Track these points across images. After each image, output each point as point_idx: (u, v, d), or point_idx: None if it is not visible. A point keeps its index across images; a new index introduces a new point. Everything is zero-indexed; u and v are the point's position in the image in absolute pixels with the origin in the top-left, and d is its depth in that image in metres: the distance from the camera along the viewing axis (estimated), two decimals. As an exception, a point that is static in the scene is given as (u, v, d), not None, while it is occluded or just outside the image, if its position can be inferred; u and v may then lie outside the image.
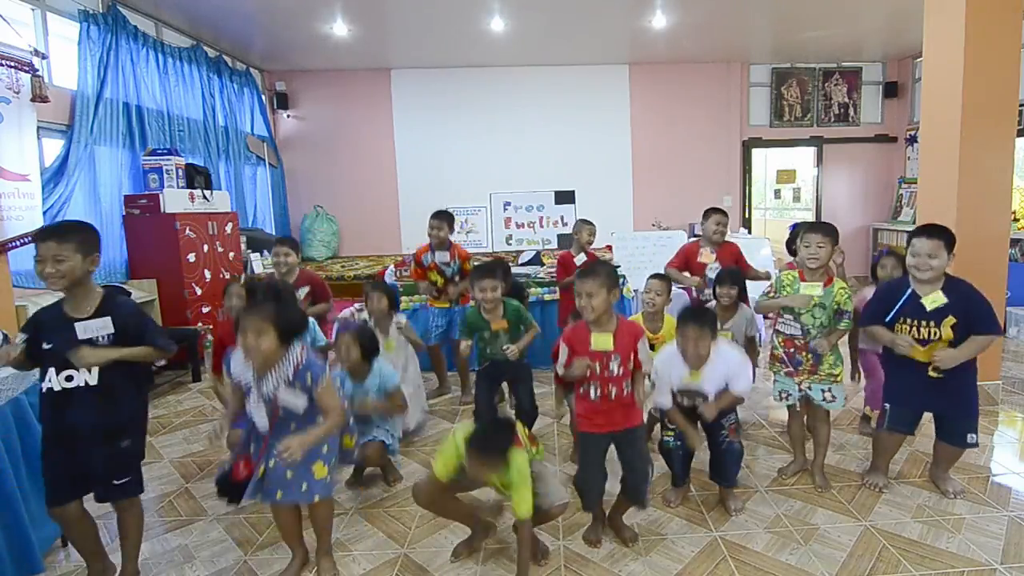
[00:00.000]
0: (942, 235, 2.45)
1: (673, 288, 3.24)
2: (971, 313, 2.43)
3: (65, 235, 1.91)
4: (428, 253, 4.08)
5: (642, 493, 2.31)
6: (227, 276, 5.36)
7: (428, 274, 4.07)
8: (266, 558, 2.37)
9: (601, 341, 2.18)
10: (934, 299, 2.45)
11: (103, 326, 1.94)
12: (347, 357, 2.74)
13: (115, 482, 2.02)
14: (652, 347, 3.02)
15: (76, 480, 2.01)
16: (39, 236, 1.92)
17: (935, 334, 2.46)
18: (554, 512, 2.20)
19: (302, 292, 3.75)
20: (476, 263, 3.69)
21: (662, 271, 3.44)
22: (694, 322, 2.39)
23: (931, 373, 2.49)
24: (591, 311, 2.15)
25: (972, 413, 2.56)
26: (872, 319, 2.63)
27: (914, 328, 2.50)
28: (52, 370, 1.92)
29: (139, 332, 2.00)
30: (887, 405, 2.69)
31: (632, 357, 2.21)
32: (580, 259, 4.08)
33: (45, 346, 1.93)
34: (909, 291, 2.52)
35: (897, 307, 2.54)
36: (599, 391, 2.20)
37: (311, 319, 3.28)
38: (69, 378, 1.92)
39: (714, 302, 3.21)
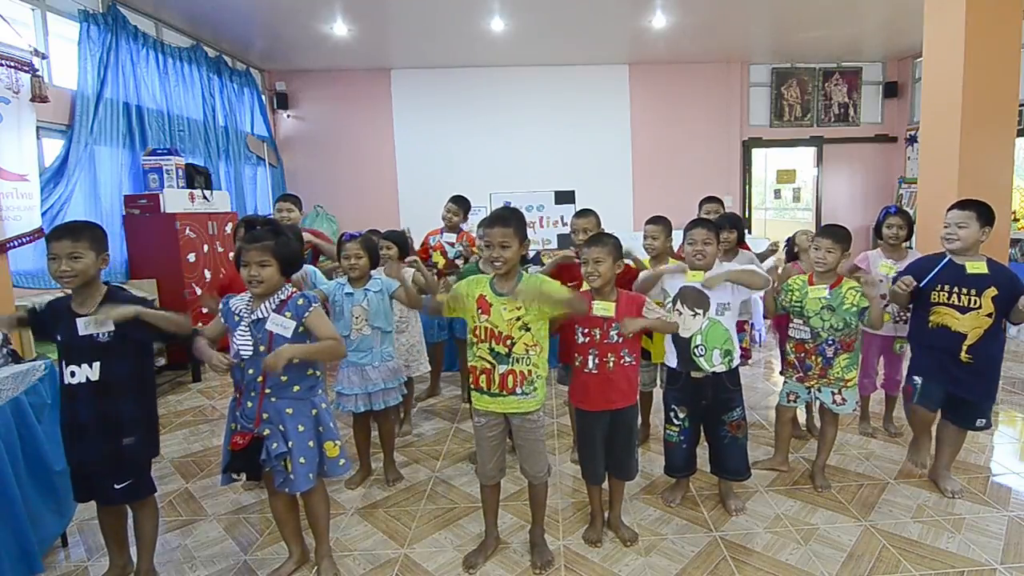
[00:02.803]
0: (973, 207, 2.48)
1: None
2: (1016, 289, 2.41)
3: (80, 233, 1.95)
4: (437, 235, 4.19)
5: (628, 465, 2.38)
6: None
7: (432, 254, 4.10)
8: (266, 558, 2.37)
9: (603, 307, 2.23)
10: (976, 265, 2.45)
11: (104, 322, 1.96)
12: (355, 264, 2.80)
13: (116, 486, 2.01)
14: None
15: (87, 484, 2.04)
16: (52, 235, 1.95)
17: (975, 303, 2.43)
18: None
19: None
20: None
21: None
22: (702, 225, 2.47)
23: (963, 357, 2.47)
24: (597, 277, 2.23)
25: (990, 399, 2.56)
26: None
27: (954, 295, 2.48)
28: (64, 363, 1.97)
29: (135, 329, 1.99)
30: (917, 379, 2.63)
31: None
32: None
33: (59, 339, 1.98)
34: (947, 259, 2.53)
35: (933, 273, 2.53)
36: (597, 360, 2.25)
37: (314, 268, 3.36)
38: (72, 373, 1.95)
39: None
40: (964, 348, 2.47)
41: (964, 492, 2.67)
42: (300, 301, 2.05)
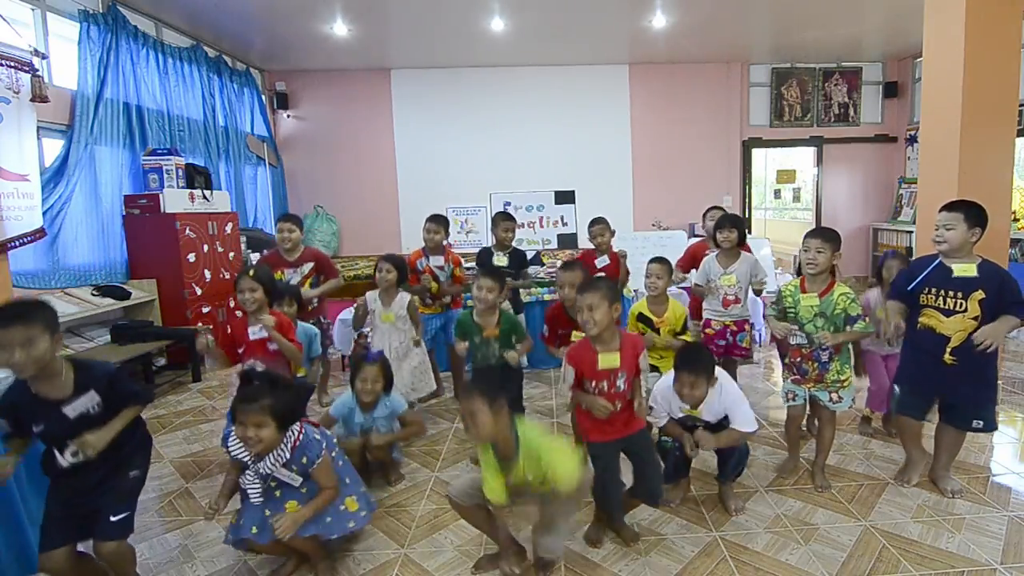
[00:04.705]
0: (961, 208, 2.47)
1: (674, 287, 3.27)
2: (1004, 292, 2.39)
3: (31, 316, 1.74)
4: (422, 258, 4.01)
5: (658, 493, 2.33)
6: (227, 276, 5.37)
7: (420, 278, 3.97)
8: (266, 558, 2.37)
9: (608, 360, 2.17)
10: (963, 268, 2.44)
11: (91, 399, 1.87)
12: (372, 389, 2.82)
13: (112, 518, 1.95)
14: (657, 331, 3.06)
15: (75, 523, 1.94)
16: None
17: (960, 306, 2.43)
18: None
19: (306, 268, 3.91)
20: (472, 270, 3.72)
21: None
22: (689, 369, 2.31)
23: (947, 359, 2.47)
24: (593, 325, 2.14)
25: (985, 400, 2.55)
26: (897, 291, 2.63)
27: (939, 298, 2.48)
28: (54, 449, 1.87)
29: (123, 394, 1.95)
30: (896, 388, 2.68)
31: (635, 369, 2.24)
32: (602, 261, 3.96)
33: (36, 428, 1.85)
34: (937, 261, 2.52)
35: (922, 276, 2.53)
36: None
37: (317, 331, 3.37)
38: (76, 454, 1.85)
39: (721, 289, 3.30)
40: (948, 350, 2.48)
41: (964, 492, 2.67)
42: (304, 460, 2.06)
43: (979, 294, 2.40)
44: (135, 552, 2.13)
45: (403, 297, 3.53)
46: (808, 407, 2.82)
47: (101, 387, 1.90)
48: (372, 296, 3.56)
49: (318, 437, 2.15)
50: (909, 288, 2.56)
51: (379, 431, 2.85)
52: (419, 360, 3.59)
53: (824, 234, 2.62)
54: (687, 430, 2.47)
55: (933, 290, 2.50)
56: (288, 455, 2.03)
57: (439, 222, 4.00)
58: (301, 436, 2.06)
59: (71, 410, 1.84)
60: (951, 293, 2.45)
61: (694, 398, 2.36)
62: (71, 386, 1.85)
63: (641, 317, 3.13)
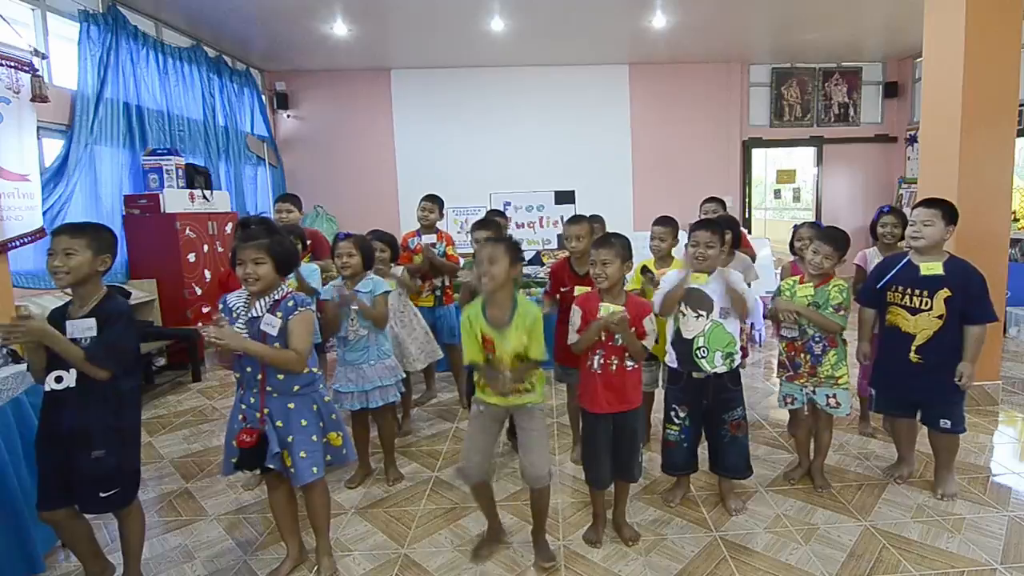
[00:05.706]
0: (938, 205, 2.50)
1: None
2: (969, 292, 2.42)
3: (79, 231, 1.91)
4: (415, 237, 4.06)
5: (630, 467, 2.36)
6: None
7: (413, 258, 4.00)
8: (266, 558, 2.37)
9: (610, 310, 2.23)
10: (930, 267, 2.47)
11: (88, 327, 1.89)
12: (348, 261, 2.81)
13: (101, 495, 1.95)
14: (658, 285, 3.07)
15: (64, 487, 1.96)
16: (54, 230, 1.93)
17: (926, 304, 2.46)
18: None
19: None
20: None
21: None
22: (706, 227, 2.44)
23: (912, 357, 2.51)
24: (605, 279, 2.24)
25: (951, 399, 2.54)
26: (866, 295, 2.70)
27: (906, 296, 2.52)
28: (50, 369, 1.91)
29: (103, 341, 1.90)
30: (872, 390, 2.77)
31: (636, 331, 2.27)
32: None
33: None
34: (905, 259, 2.55)
35: (891, 274, 2.57)
36: (603, 360, 2.25)
37: (314, 266, 3.34)
38: (59, 379, 1.89)
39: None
40: (913, 348, 2.50)
41: (956, 496, 2.64)
42: (291, 303, 2.05)
43: (945, 292, 2.43)
44: (143, 522, 2.16)
45: (397, 270, 3.45)
46: (807, 410, 2.79)
47: (101, 320, 1.91)
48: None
49: (307, 299, 2.16)
50: (878, 286, 2.60)
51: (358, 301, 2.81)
52: (423, 333, 3.59)
53: (837, 241, 2.59)
54: (694, 403, 2.52)
55: (900, 288, 2.54)
56: (277, 299, 2.05)
57: (434, 201, 4.08)
58: (292, 293, 2.09)
59: (70, 327, 1.88)
60: (917, 291, 2.49)
61: (707, 256, 2.41)
62: (89, 308, 1.92)
63: (645, 270, 3.12)
